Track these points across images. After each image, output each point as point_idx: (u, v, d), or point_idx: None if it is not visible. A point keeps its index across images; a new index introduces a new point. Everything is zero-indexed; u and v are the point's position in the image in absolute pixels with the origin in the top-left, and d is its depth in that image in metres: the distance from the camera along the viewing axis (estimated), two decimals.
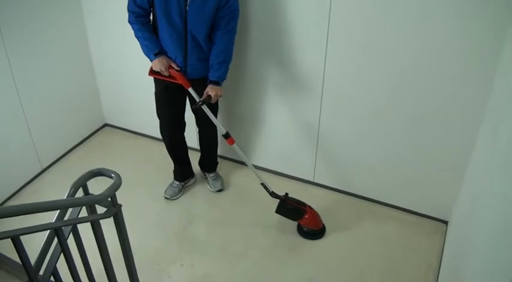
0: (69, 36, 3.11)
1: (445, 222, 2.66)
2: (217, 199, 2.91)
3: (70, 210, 1.62)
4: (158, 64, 2.37)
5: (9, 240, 1.31)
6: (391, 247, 2.54)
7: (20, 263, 1.38)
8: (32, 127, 2.95)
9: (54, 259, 1.55)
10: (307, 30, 2.44)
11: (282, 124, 2.86)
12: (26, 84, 2.83)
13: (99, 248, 1.67)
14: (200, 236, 2.67)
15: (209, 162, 3.01)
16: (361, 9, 2.26)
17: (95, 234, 1.63)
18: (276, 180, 2.96)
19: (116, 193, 1.56)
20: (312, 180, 2.98)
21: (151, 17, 2.40)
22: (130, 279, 1.88)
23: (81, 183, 1.59)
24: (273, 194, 2.58)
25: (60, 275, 1.63)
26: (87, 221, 1.57)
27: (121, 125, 3.60)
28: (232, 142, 2.53)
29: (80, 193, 1.61)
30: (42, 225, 1.39)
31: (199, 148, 3.03)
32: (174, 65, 2.40)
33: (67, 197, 1.55)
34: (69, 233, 1.57)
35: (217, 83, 2.42)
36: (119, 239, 1.71)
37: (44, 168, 3.13)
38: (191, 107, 2.61)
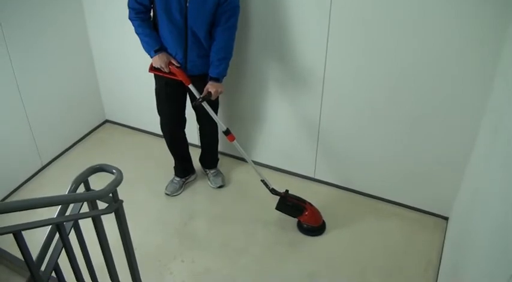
0: (70, 33, 3.12)
1: (446, 219, 2.66)
2: (218, 195, 2.92)
3: (71, 206, 1.62)
4: (158, 60, 2.37)
5: (9, 236, 1.31)
6: (391, 243, 2.54)
7: (21, 258, 1.39)
8: (33, 124, 2.95)
9: (56, 255, 1.56)
10: (307, 27, 2.44)
11: (282, 120, 2.86)
12: (27, 81, 2.84)
13: (100, 243, 1.68)
14: (201, 232, 2.67)
15: (210, 159, 3.01)
16: (362, 7, 2.26)
17: (96, 230, 1.63)
18: (277, 177, 2.96)
19: (117, 189, 1.57)
20: (312, 176, 2.99)
21: (151, 14, 2.40)
22: (131, 275, 1.88)
23: (83, 179, 1.59)
24: (273, 191, 2.58)
25: (62, 270, 1.64)
26: (88, 217, 1.57)
27: (121, 121, 3.60)
28: (232, 139, 2.53)
29: (81, 189, 1.61)
30: (44, 220, 1.39)
31: (199, 144, 3.03)
32: (174, 62, 2.40)
33: (68, 192, 1.55)
34: (71, 229, 1.57)
35: (217, 79, 2.42)
36: (120, 235, 1.71)
37: (44, 164, 3.14)
38: (191, 103, 2.61)
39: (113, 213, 1.61)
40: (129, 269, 1.86)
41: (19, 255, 1.40)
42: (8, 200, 2.85)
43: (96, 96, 3.50)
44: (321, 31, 2.39)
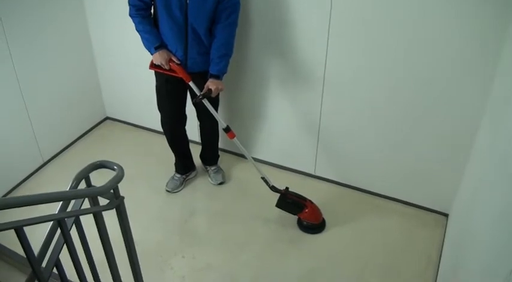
0: (71, 30, 3.12)
1: (446, 215, 2.67)
2: (219, 192, 2.92)
3: (72, 202, 1.62)
4: (159, 57, 2.37)
5: (10, 232, 1.31)
6: (391, 240, 2.55)
7: (22, 254, 1.38)
8: (34, 120, 2.95)
9: (57, 251, 1.56)
10: (308, 24, 2.44)
11: (282, 117, 2.86)
12: (28, 78, 2.84)
13: (101, 239, 1.68)
14: (201, 228, 2.68)
15: (210, 156, 3.01)
16: (362, 7, 2.26)
17: (97, 226, 1.64)
18: (277, 173, 2.97)
19: (118, 186, 1.57)
20: (312, 173, 2.99)
21: (152, 11, 2.40)
22: (132, 271, 1.89)
23: (84, 175, 1.59)
24: (273, 188, 2.59)
25: (63, 266, 1.64)
26: (90, 213, 1.57)
27: (122, 118, 3.60)
28: (232, 136, 2.53)
29: (82, 186, 1.61)
30: (45, 216, 1.39)
31: (200, 141, 3.04)
32: (174, 59, 2.40)
33: (70, 189, 1.55)
34: (72, 225, 1.58)
35: (217, 76, 2.42)
36: (122, 231, 1.72)
37: (45, 161, 3.14)
38: (192, 100, 2.61)
39: (114, 209, 1.61)
40: (130, 264, 1.87)
41: (19, 251, 1.40)
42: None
43: (96, 93, 3.51)
44: (321, 28, 2.39)
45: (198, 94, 2.41)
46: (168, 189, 2.91)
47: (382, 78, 2.41)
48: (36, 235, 1.50)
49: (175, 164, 2.95)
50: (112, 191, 1.55)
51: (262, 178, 2.58)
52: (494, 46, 2.02)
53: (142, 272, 1.96)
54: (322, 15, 2.35)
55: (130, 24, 2.38)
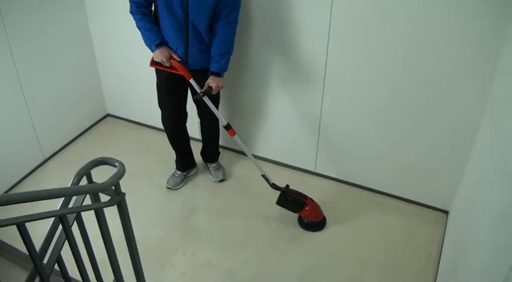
0: (71, 28, 3.12)
1: (446, 212, 2.67)
2: (219, 189, 2.93)
3: (74, 198, 1.62)
4: (159, 55, 2.37)
5: (11, 229, 1.31)
6: (391, 237, 2.56)
7: (23, 251, 1.39)
8: (35, 118, 2.96)
9: (59, 247, 1.57)
10: (309, 21, 2.44)
11: (283, 115, 2.86)
12: (29, 75, 2.84)
13: (102, 236, 1.68)
14: (202, 225, 2.69)
15: (211, 153, 3.02)
16: (362, 7, 2.26)
17: (98, 223, 1.64)
18: (277, 171, 2.97)
19: (119, 182, 1.57)
20: (313, 170, 3.00)
21: (152, 8, 2.40)
22: (133, 267, 1.90)
23: (85, 171, 1.59)
24: (274, 186, 2.59)
25: (64, 262, 1.65)
26: (91, 209, 1.58)
27: (123, 115, 3.61)
28: (233, 133, 2.53)
29: (83, 182, 1.62)
30: (47, 212, 1.39)
31: (201, 138, 3.04)
32: (175, 56, 2.40)
33: (71, 185, 1.56)
34: (73, 221, 1.58)
35: (218, 74, 2.42)
36: (123, 227, 1.72)
37: (46, 158, 3.15)
38: (192, 97, 2.61)
39: (116, 205, 1.61)
40: (131, 261, 1.87)
41: (21, 247, 1.40)
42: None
43: (97, 91, 3.51)
44: (322, 25, 2.39)
45: (199, 91, 2.42)
46: (169, 186, 2.92)
47: (382, 78, 2.41)
48: (37, 231, 1.50)
49: (176, 161, 2.96)
50: (113, 187, 1.56)
51: (263, 176, 2.58)
52: (494, 46, 2.02)
53: (143, 268, 1.96)
54: (323, 15, 2.35)
55: (130, 22, 2.38)
